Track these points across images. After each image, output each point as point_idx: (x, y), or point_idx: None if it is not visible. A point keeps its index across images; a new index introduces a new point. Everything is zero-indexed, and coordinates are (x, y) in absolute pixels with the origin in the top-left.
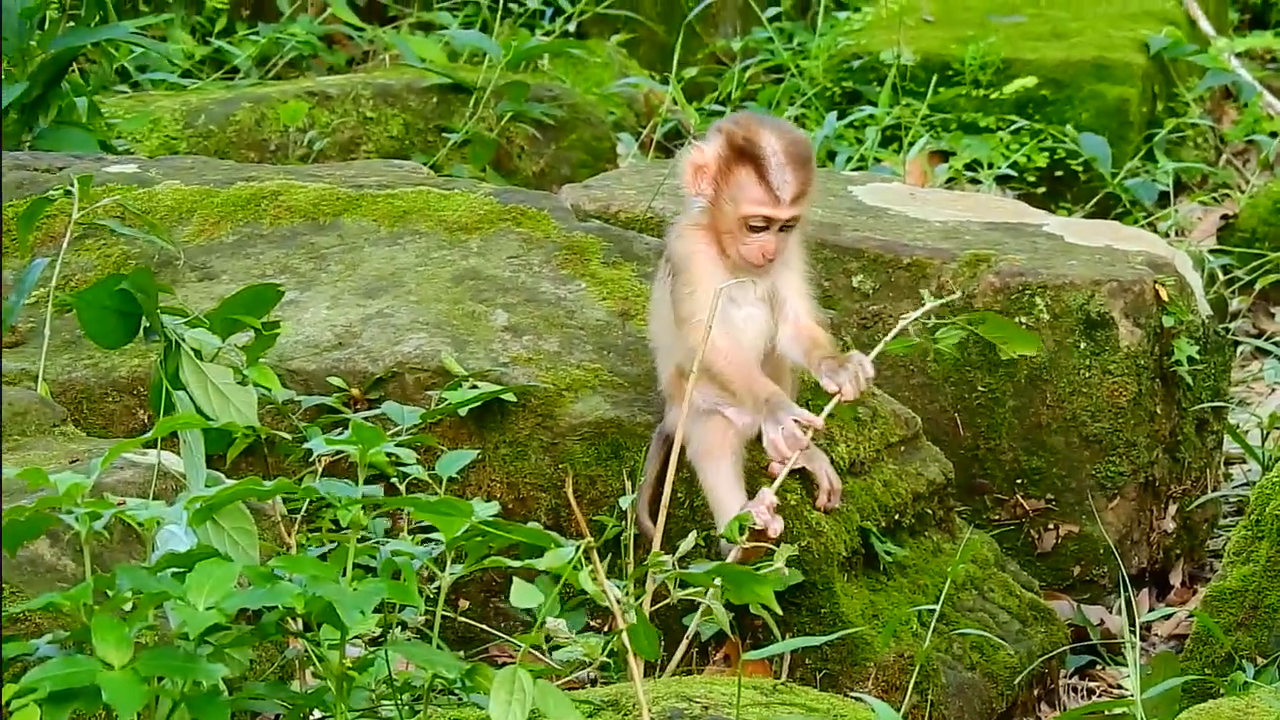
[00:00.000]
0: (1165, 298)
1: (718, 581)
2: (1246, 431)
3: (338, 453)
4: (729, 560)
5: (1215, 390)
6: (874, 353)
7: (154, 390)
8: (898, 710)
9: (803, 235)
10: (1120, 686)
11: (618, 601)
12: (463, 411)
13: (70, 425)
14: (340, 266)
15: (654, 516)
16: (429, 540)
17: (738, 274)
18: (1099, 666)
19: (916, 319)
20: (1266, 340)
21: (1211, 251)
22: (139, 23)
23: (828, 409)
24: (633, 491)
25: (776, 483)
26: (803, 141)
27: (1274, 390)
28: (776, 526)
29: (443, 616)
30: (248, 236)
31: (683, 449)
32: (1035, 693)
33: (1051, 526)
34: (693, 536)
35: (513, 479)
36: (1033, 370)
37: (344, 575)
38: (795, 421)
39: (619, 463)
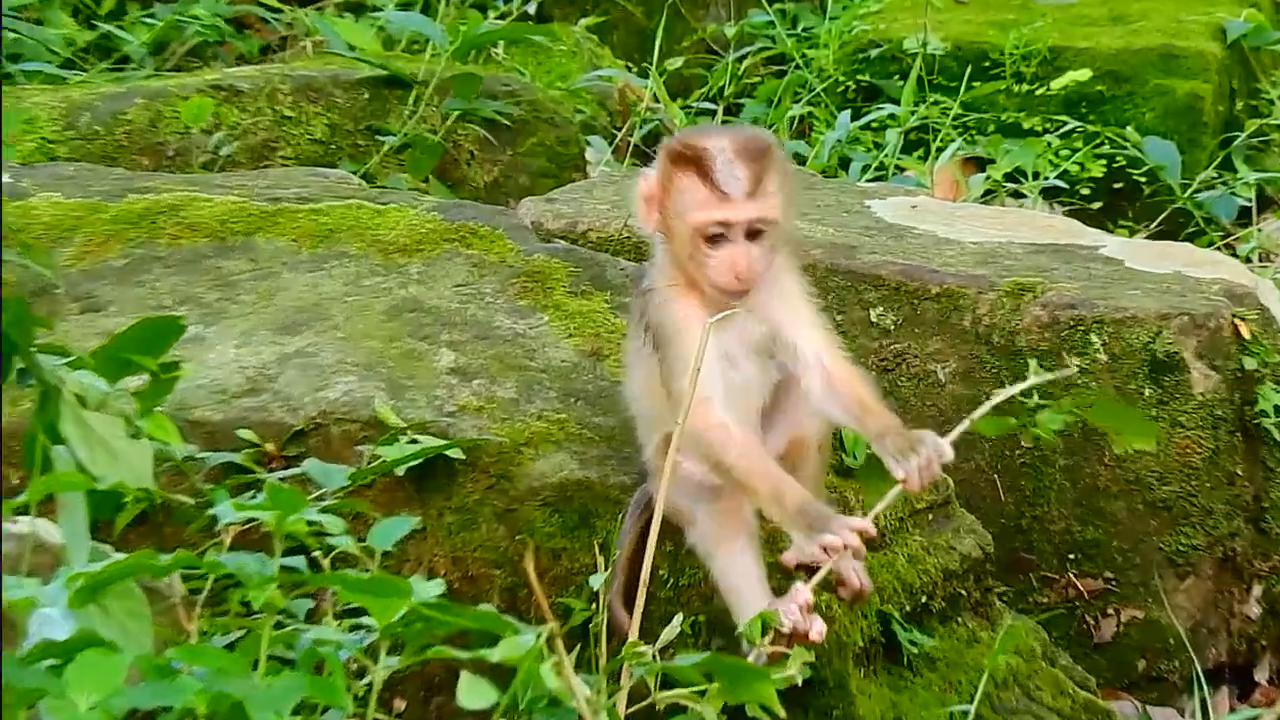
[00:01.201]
0: (1246, 335)
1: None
2: None
3: (249, 520)
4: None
5: None
6: (955, 433)
7: (27, 445)
8: None
9: (794, 256)
10: None
11: (587, 701)
12: (400, 471)
13: None
14: (253, 296)
15: (630, 602)
16: (359, 626)
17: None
18: None
19: (1015, 394)
20: None
21: None
22: (11, 2)
23: (884, 503)
24: (605, 568)
25: (815, 578)
26: (757, 136)
27: None
28: (819, 628)
29: (376, 719)
30: (141, 260)
31: (663, 525)
32: None
33: (1111, 611)
34: (677, 622)
35: (460, 553)
36: (1088, 422)
37: (255, 669)
38: (850, 531)
39: (589, 533)
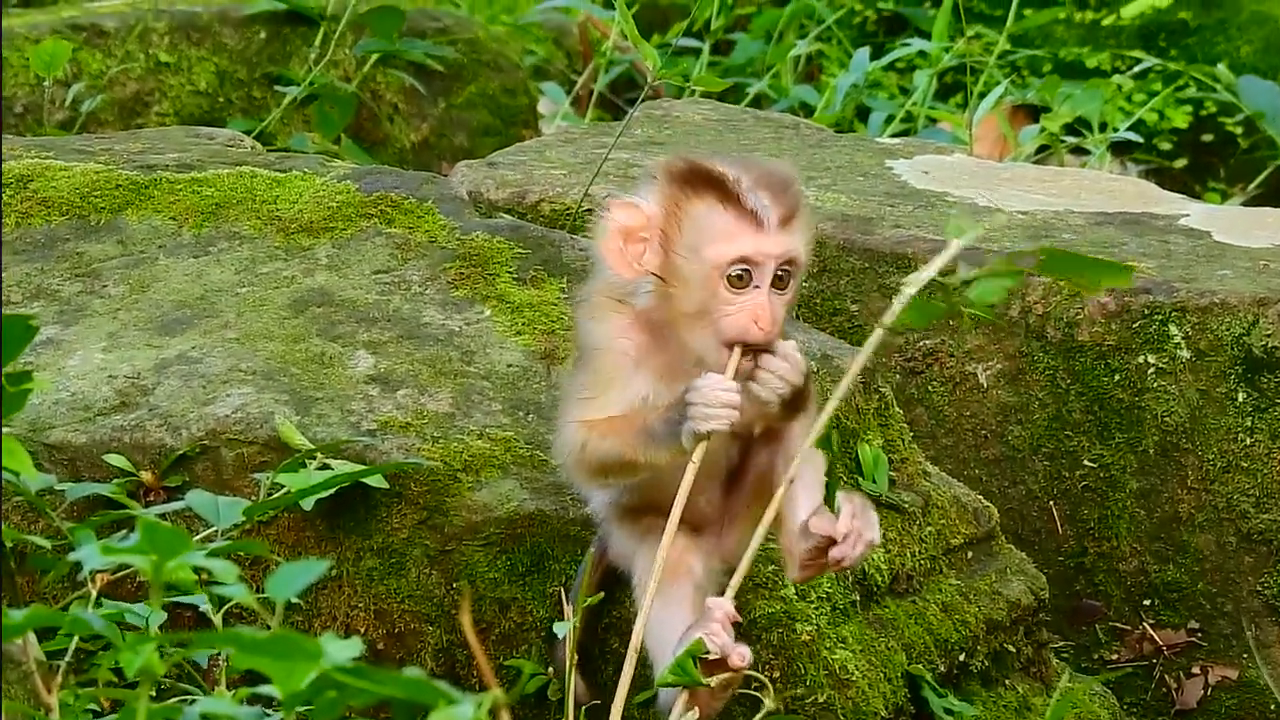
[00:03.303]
0: None
1: None
2: None
3: (121, 567)
4: (675, 716)
5: None
6: (871, 343)
7: None
8: None
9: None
10: None
11: None
12: (308, 504)
13: None
14: (123, 288)
15: (587, 667)
16: (258, 697)
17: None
18: None
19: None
20: None
21: None
22: None
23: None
24: (572, 615)
25: (738, 575)
26: (779, 163)
27: None
28: (742, 653)
29: None
30: None
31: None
32: None
33: (1197, 670)
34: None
35: (383, 604)
36: (1166, 435)
37: None
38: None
39: (542, 579)
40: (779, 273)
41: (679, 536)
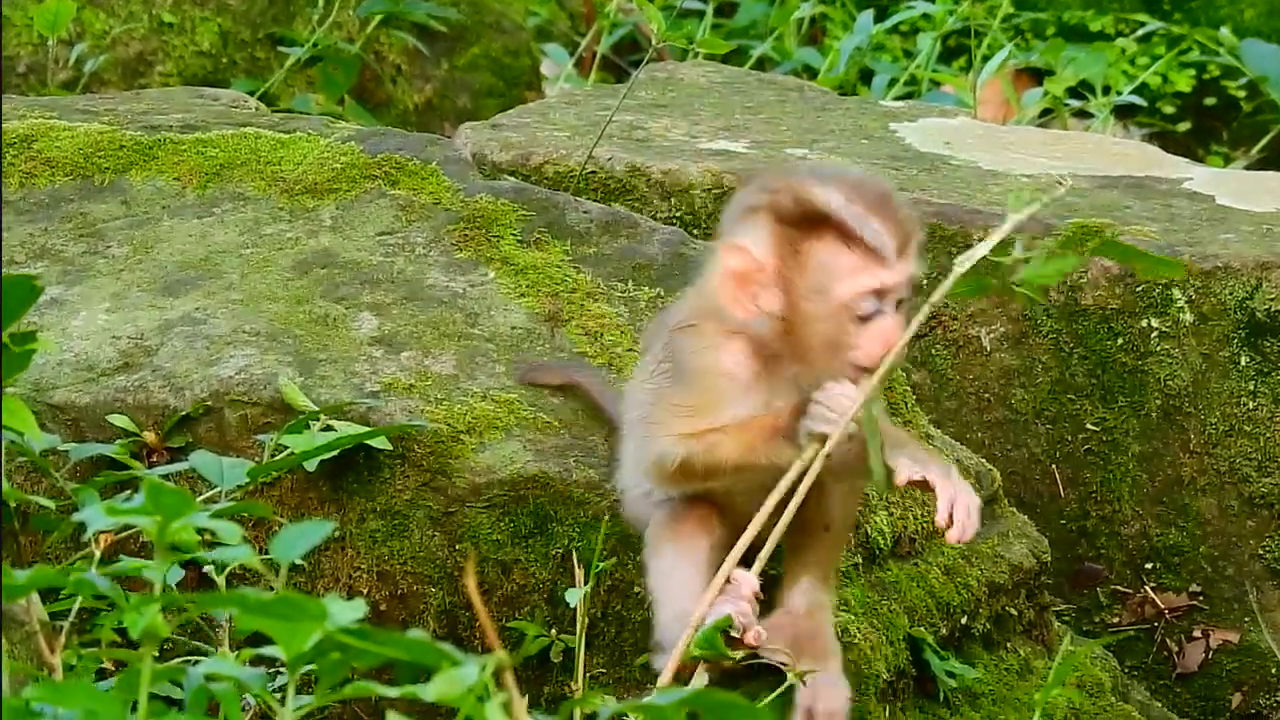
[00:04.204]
0: None
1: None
2: None
3: (125, 528)
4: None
5: None
6: (923, 312)
7: None
8: None
9: None
10: None
11: None
12: (311, 466)
13: None
14: (126, 249)
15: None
16: (261, 659)
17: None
18: None
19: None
20: None
21: None
22: None
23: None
24: (586, 581)
25: (766, 548)
26: (869, 175)
27: None
28: (758, 632)
29: None
30: None
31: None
32: None
33: (1198, 634)
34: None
35: (387, 566)
36: (1169, 398)
37: (134, 711)
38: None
39: (545, 542)
40: (902, 298)
41: (695, 513)
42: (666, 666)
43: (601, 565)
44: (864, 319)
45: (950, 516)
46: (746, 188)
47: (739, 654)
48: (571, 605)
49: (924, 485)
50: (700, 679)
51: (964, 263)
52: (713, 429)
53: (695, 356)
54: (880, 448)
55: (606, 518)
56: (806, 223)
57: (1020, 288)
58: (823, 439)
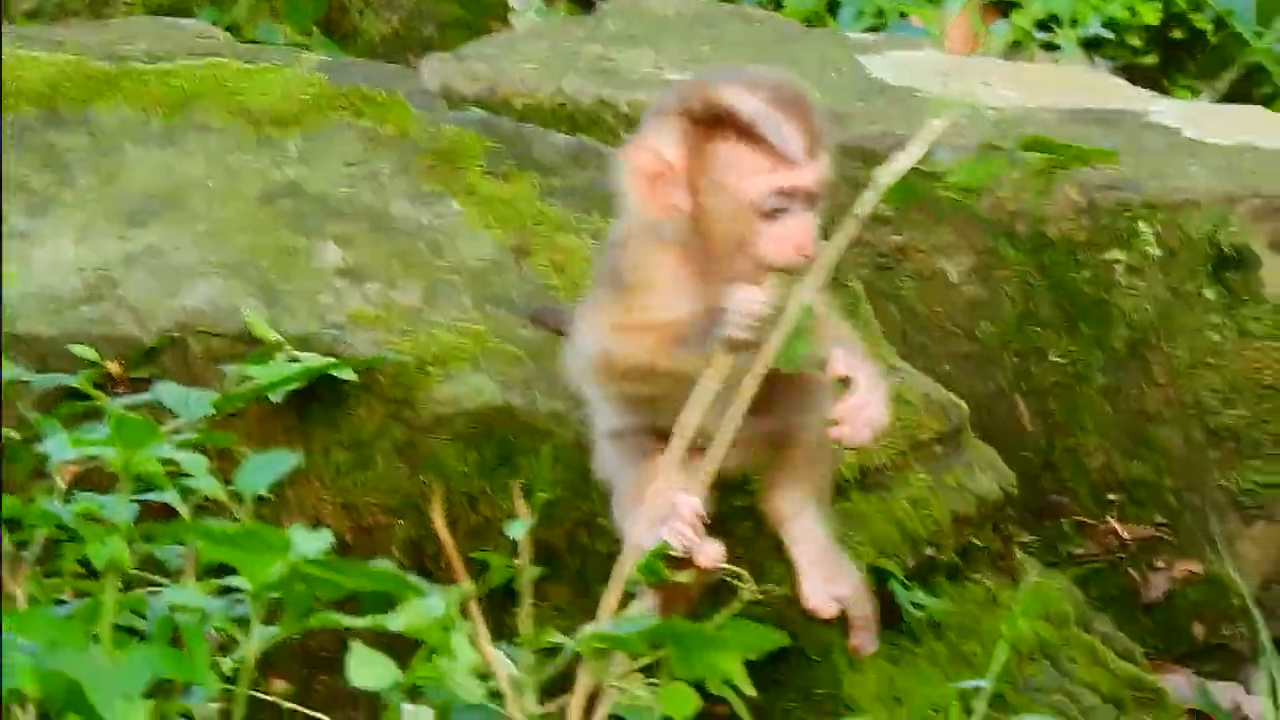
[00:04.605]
0: None
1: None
2: None
3: (89, 458)
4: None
5: None
6: (828, 259)
7: None
8: None
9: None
10: None
11: (511, 680)
12: (276, 397)
13: None
14: (91, 179)
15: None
16: (227, 589)
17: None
18: None
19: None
20: None
21: None
22: None
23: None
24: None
25: (707, 467)
26: (787, 78)
27: None
28: (711, 552)
29: (249, 701)
30: None
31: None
32: None
33: (1162, 565)
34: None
35: (351, 497)
36: (1134, 331)
37: (97, 641)
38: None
39: (510, 473)
40: (813, 198)
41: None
42: (605, 598)
43: (545, 496)
44: (771, 217)
45: (851, 418)
46: (662, 93)
47: (684, 577)
48: (514, 538)
49: (849, 384)
50: (643, 605)
51: (888, 173)
52: (635, 326)
53: (628, 265)
54: (805, 341)
55: (548, 448)
56: (714, 122)
57: (951, 189)
58: (732, 345)
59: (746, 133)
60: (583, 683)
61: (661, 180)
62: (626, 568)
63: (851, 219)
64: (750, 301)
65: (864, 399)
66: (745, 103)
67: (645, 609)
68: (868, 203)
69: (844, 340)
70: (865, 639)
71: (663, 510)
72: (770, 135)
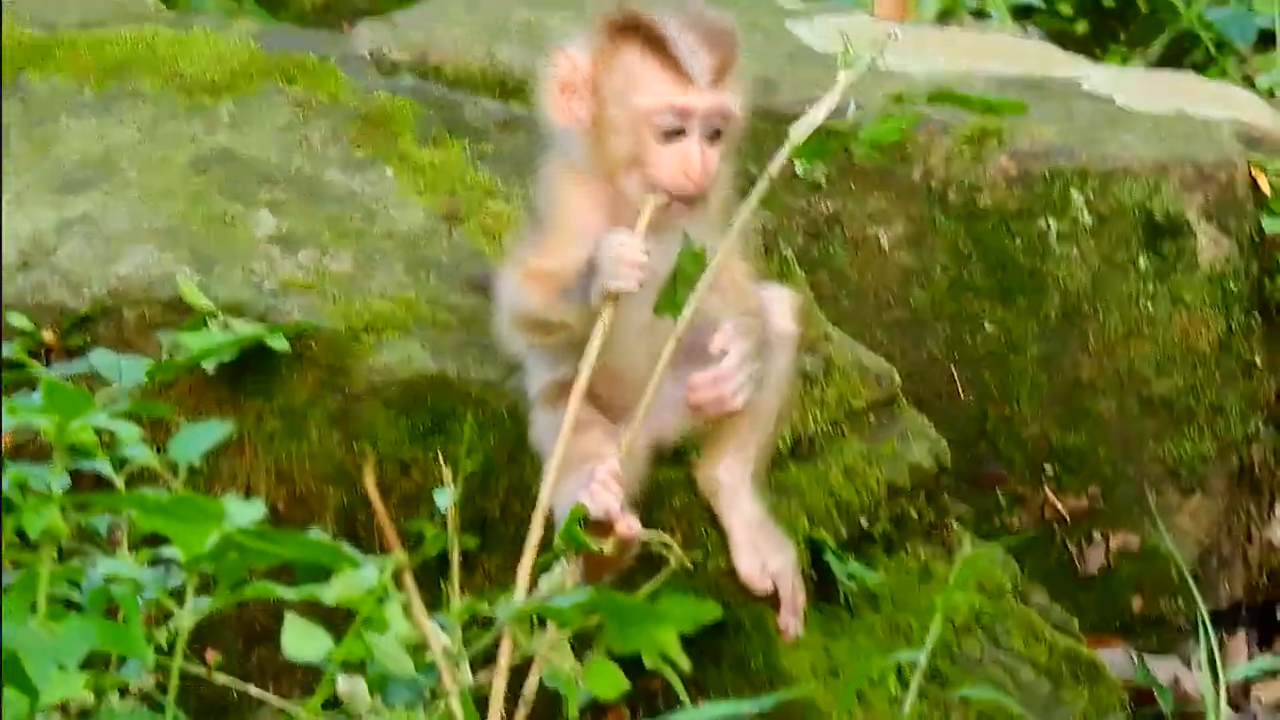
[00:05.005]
0: (1266, 189)
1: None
2: None
3: (22, 427)
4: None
5: None
6: (740, 221)
7: None
8: None
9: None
10: None
11: (445, 651)
12: (209, 365)
13: None
14: (24, 147)
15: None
16: (160, 560)
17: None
18: None
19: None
20: None
21: None
22: None
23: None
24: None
25: (628, 434)
26: (718, 13)
27: None
28: (629, 523)
29: (183, 674)
30: None
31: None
32: None
33: (1098, 537)
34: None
35: (285, 466)
36: (1067, 299)
37: (33, 612)
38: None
39: (444, 440)
40: (714, 127)
41: (596, 425)
42: (521, 565)
43: (470, 465)
44: (667, 139)
45: (703, 388)
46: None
47: (607, 546)
48: (442, 507)
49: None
50: (564, 573)
51: (800, 128)
52: (534, 275)
53: (545, 199)
54: (686, 290)
55: (470, 416)
56: (623, 30)
57: (862, 146)
58: (609, 294)
59: (654, 45)
60: (505, 653)
61: (570, 88)
62: (537, 534)
63: (764, 177)
64: (622, 245)
65: (724, 375)
66: (657, 16)
67: (567, 576)
68: (779, 160)
69: (746, 305)
70: (792, 622)
71: (581, 477)
72: (674, 49)
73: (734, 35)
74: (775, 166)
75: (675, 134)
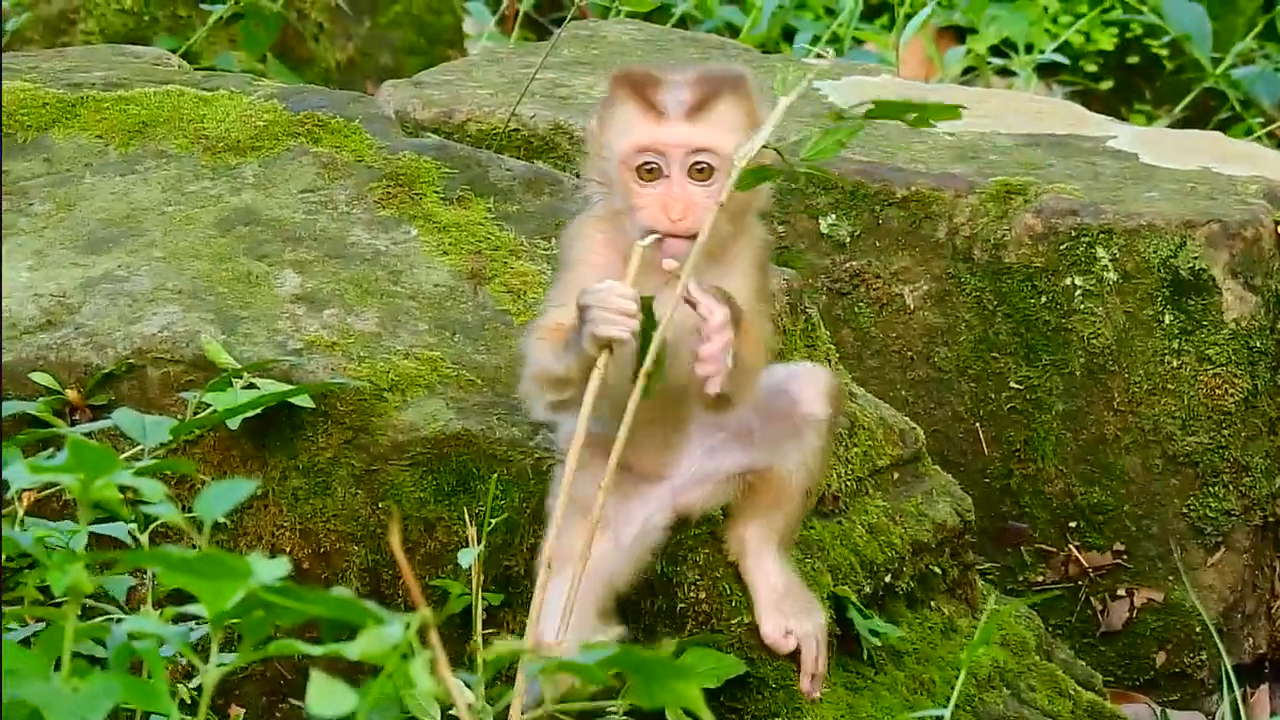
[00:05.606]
0: None
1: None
2: None
3: (47, 485)
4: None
5: None
6: (697, 245)
7: None
8: None
9: (763, 244)
10: None
11: (470, 708)
12: (234, 423)
13: None
14: (49, 206)
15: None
16: (185, 616)
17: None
18: None
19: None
20: None
21: None
22: None
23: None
24: (480, 541)
25: (606, 478)
26: (718, 66)
27: None
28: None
29: None
30: None
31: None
32: None
33: (1122, 593)
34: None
35: (310, 523)
36: (1092, 357)
37: (58, 669)
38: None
39: (469, 499)
40: (697, 164)
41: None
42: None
43: (494, 523)
44: (648, 177)
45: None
46: None
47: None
48: (465, 566)
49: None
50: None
51: (742, 155)
52: (544, 329)
53: (565, 252)
54: (661, 347)
55: (495, 476)
56: (618, 84)
57: (801, 166)
58: (598, 342)
59: (635, 89)
60: (516, 708)
61: (593, 143)
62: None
63: (714, 207)
64: (607, 293)
65: (714, 327)
66: (655, 70)
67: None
68: (726, 187)
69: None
70: (811, 686)
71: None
72: (649, 89)
73: (730, 78)
74: (724, 194)
75: (657, 173)
